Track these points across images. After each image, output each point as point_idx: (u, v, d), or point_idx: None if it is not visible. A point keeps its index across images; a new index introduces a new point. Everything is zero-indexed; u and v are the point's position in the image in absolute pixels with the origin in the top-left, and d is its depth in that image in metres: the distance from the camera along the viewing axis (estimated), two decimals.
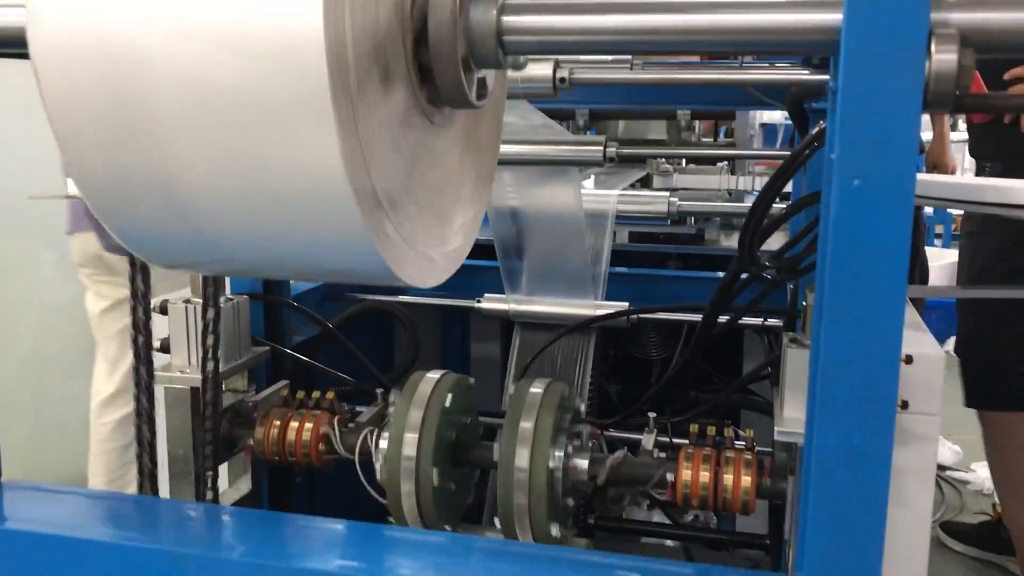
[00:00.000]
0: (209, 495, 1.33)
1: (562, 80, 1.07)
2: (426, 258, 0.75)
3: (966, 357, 2.14)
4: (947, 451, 3.74)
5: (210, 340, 1.33)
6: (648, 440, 1.35)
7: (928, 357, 1.30)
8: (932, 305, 5.49)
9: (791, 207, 1.17)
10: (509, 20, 0.71)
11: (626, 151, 1.37)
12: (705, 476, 1.23)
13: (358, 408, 1.47)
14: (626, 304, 1.71)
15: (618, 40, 0.70)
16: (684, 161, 2.43)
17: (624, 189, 1.90)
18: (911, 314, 1.54)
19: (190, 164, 0.63)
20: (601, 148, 1.31)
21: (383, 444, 1.31)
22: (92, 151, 0.64)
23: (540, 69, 1.06)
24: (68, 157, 0.65)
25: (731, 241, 2.24)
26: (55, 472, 2.65)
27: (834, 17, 0.65)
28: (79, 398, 2.53)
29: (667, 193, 1.79)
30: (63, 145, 0.64)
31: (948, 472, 3.63)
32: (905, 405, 1.22)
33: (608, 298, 1.75)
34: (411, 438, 1.28)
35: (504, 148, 1.35)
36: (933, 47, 0.62)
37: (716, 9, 0.68)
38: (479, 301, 1.80)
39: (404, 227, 0.71)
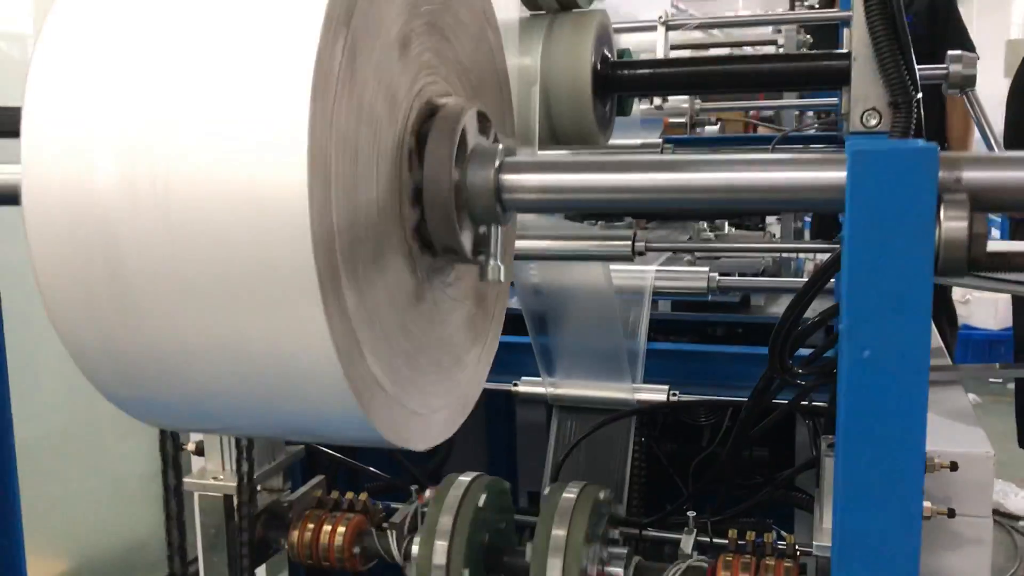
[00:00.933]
0: None
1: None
2: (430, 417, 0.74)
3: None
4: (1017, 499, 3.57)
5: (244, 442, 1.34)
6: (687, 542, 1.32)
7: (975, 458, 1.24)
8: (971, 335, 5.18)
9: (824, 314, 1.13)
10: (508, 178, 0.70)
11: (655, 246, 1.34)
12: None
13: (394, 505, 1.46)
14: (666, 387, 1.67)
15: (616, 199, 0.69)
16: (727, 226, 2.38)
17: (661, 264, 1.86)
18: (957, 398, 1.47)
19: (179, 343, 0.62)
20: (630, 243, 1.28)
21: (415, 549, 1.30)
22: (83, 324, 0.64)
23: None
24: (60, 330, 0.65)
25: (778, 307, 2.18)
26: (120, 538, 2.67)
27: (838, 176, 0.63)
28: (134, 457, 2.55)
29: (706, 269, 1.75)
30: (54, 319, 0.65)
31: (1021, 522, 3.46)
32: (952, 513, 1.17)
33: (648, 375, 1.71)
34: (441, 546, 1.26)
35: (525, 244, 1.34)
36: (943, 213, 0.59)
37: (708, 168, 0.66)
38: (516, 384, 1.77)
39: (407, 395, 0.70)
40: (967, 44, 3.24)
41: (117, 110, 0.62)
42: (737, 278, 1.91)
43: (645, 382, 1.71)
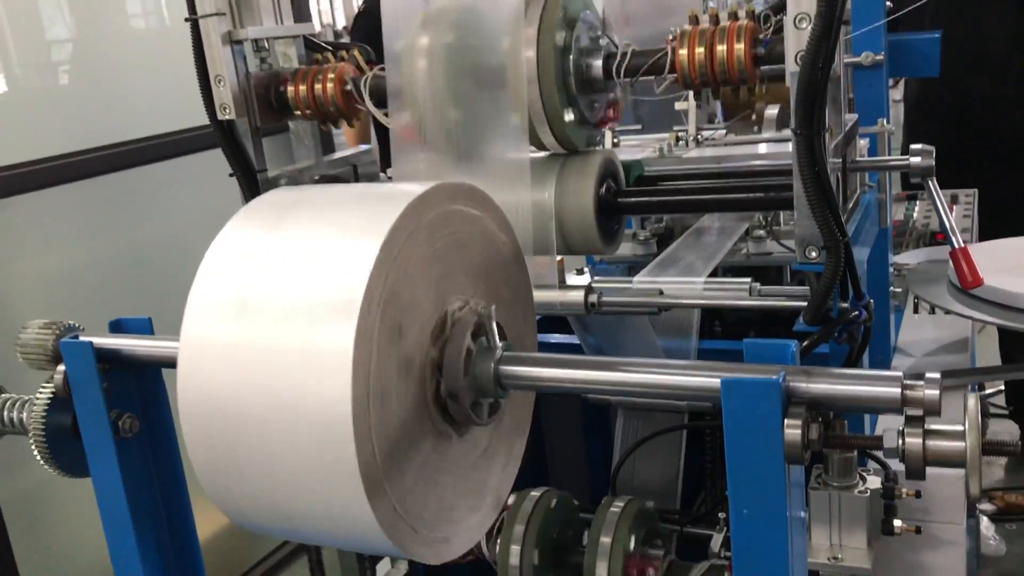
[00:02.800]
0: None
1: (592, 304, 1.33)
2: (463, 533, 1.06)
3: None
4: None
5: None
6: (716, 541, 1.61)
7: (944, 477, 1.47)
8: None
9: None
10: (505, 369, 1.00)
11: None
12: None
13: None
14: None
15: (581, 387, 0.98)
16: None
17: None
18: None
19: (273, 504, 0.96)
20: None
21: (497, 550, 1.65)
22: (218, 482, 0.98)
23: (574, 295, 1.33)
24: (202, 481, 0.99)
25: None
26: None
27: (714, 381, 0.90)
28: None
29: (748, 280, 1.98)
30: (200, 476, 0.99)
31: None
32: (919, 530, 1.42)
33: None
34: (516, 549, 1.61)
35: None
36: (786, 421, 0.85)
37: (649, 370, 0.95)
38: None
39: (439, 529, 1.02)
40: None
41: (237, 349, 0.95)
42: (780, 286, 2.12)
43: None
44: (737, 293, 1.79)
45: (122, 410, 1.26)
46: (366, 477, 0.89)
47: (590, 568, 1.55)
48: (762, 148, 1.74)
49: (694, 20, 1.26)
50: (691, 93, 1.61)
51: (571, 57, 1.29)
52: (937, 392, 0.83)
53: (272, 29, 1.50)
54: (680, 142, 1.87)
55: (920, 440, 0.84)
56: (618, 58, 1.29)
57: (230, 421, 0.94)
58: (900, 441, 0.85)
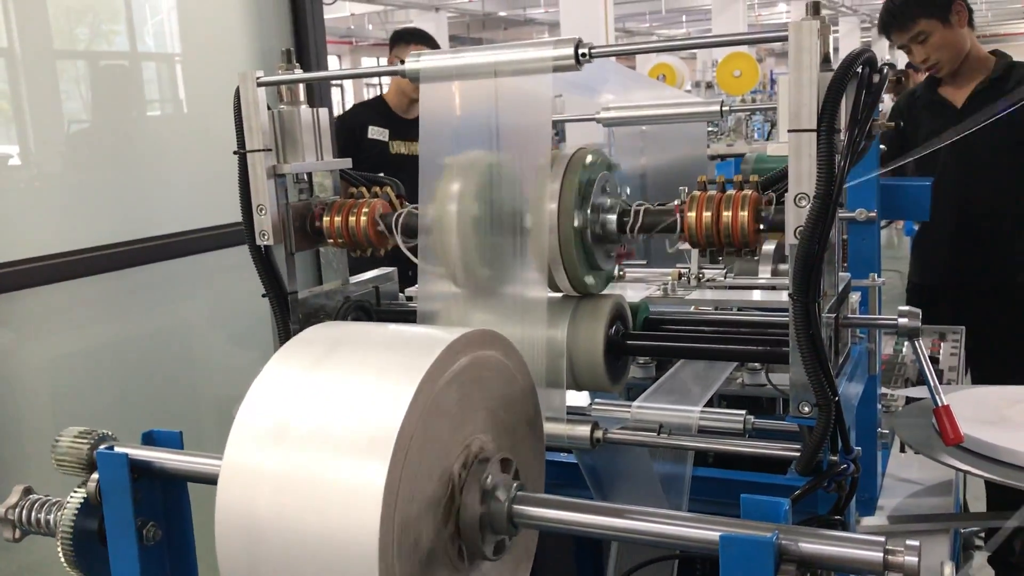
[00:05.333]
0: None
1: (598, 440, 1.42)
2: None
3: None
4: None
5: None
6: None
7: None
8: None
9: None
10: (518, 509, 1.08)
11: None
12: None
13: None
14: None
15: (589, 531, 1.06)
16: None
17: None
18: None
19: None
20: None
21: None
22: None
23: (581, 429, 1.42)
24: None
25: None
26: None
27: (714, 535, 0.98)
28: None
29: (743, 412, 2.06)
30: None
31: None
32: None
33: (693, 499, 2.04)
34: None
35: None
36: None
37: (655, 520, 1.03)
38: None
39: None
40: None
41: (274, 475, 1.03)
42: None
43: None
44: (732, 425, 1.88)
45: (147, 518, 1.32)
46: None
47: None
48: (757, 295, 1.86)
49: (702, 186, 1.38)
50: None
51: (588, 212, 1.41)
52: (916, 559, 0.92)
53: (312, 164, 1.62)
54: (683, 279, 1.99)
55: None
56: (631, 216, 1.41)
57: (259, 545, 1.01)
58: None
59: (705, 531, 1.00)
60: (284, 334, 1.60)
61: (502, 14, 25.78)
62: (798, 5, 24.55)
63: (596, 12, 13.41)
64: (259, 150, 1.54)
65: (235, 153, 1.56)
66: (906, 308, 1.45)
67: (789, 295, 1.23)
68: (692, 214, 1.36)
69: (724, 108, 1.87)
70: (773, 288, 1.94)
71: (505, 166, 1.44)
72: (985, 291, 3.34)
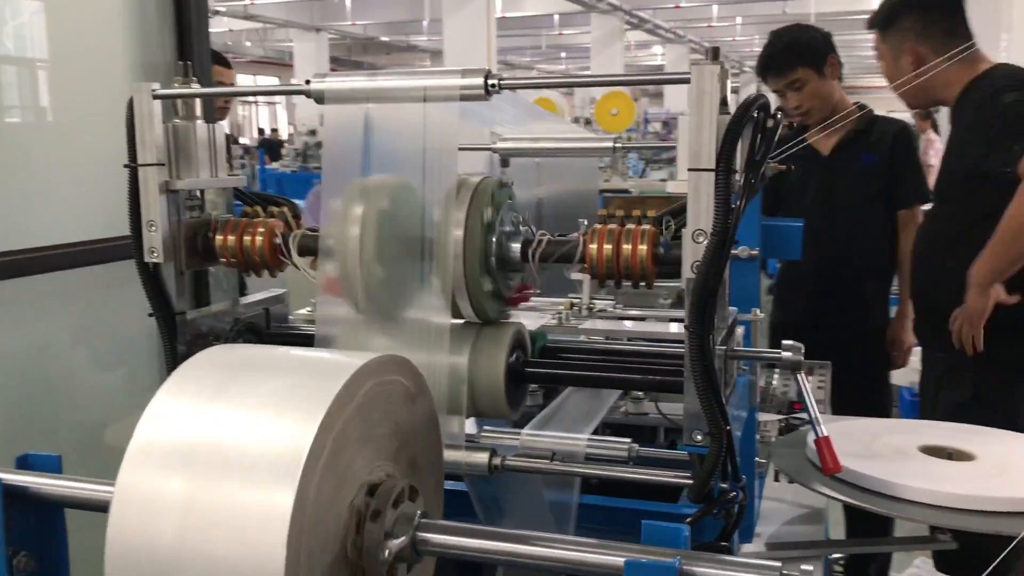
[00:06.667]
0: None
1: (495, 467, 1.42)
2: None
3: None
4: None
5: None
6: None
7: None
8: None
9: None
10: (421, 536, 1.07)
11: None
12: None
13: None
14: None
15: (494, 558, 1.06)
16: None
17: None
18: None
19: None
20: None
21: None
22: None
23: (479, 456, 1.42)
24: None
25: None
26: None
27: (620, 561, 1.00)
28: None
29: (628, 440, 2.11)
30: None
31: None
32: None
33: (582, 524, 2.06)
34: None
35: None
36: None
37: (560, 546, 1.04)
38: None
39: None
40: (922, 186, 3.60)
41: (174, 503, 0.98)
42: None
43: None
44: (617, 453, 1.92)
45: (18, 547, 1.24)
46: None
47: None
48: (643, 326, 1.91)
49: (604, 219, 1.42)
50: None
51: (493, 239, 1.42)
52: None
53: (207, 181, 1.58)
54: (574, 308, 2.03)
55: None
56: (534, 244, 1.43)
57: (161, 574, 0.97)
58: None
59: (610, 557, 1.02)
60: (172, 356, 1.54)
61: (384, 39, 25.76)
62: (672, 48, 25.64)
63: (478, 44, 13.61)
64: (151, 164, 1.49)
65: (126, 167, 1.50)
66: (789, 343, 1.52)
67: (685, 327, 1.27)
68: (593, 246, 1.39)
69: (617, 145, 1.92)
70: (659, 319, 2.01)
71: (410, 191, 1.44)
72: (842, 332, 3.53)
